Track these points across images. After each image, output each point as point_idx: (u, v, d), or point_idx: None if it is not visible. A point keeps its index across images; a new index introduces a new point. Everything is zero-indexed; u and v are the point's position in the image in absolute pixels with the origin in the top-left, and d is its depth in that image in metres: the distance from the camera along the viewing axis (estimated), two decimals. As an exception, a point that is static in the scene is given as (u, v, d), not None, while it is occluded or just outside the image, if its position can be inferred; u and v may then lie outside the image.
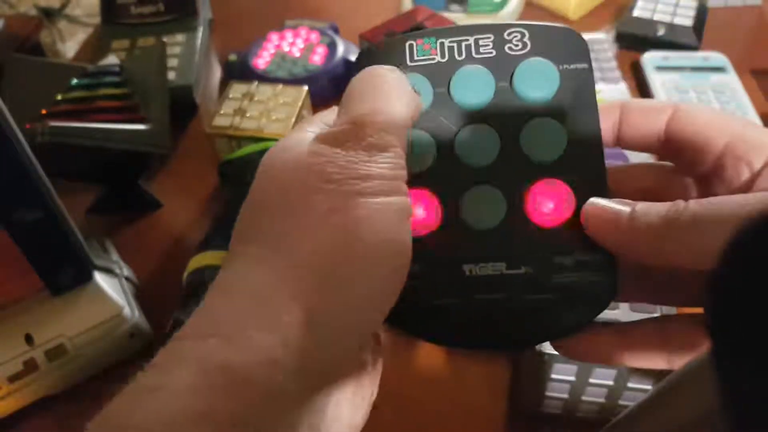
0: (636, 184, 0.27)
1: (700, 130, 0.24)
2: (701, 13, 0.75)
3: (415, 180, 0.24)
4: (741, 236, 0.12)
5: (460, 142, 0.25)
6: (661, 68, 0.68)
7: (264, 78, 0.67)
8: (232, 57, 0.74)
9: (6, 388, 0.43)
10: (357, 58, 0.26)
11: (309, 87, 0.61)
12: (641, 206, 0.22)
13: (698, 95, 0.65)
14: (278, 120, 0.58)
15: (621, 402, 0.39)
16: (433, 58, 0.25)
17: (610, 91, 0.66)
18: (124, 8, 0.76)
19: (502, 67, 0.25)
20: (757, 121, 0.61)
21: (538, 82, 0.24)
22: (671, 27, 0.74)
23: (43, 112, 0.54)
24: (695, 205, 0.20)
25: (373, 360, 0.25)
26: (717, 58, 0.69)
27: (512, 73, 0.25)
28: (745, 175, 0.23)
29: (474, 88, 0.25)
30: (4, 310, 0.45)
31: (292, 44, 0.73)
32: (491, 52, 0.25)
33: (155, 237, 0.58)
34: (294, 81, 0.66)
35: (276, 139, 0.55)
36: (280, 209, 0.21)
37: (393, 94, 0.22)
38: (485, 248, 0.24)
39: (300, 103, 0.59)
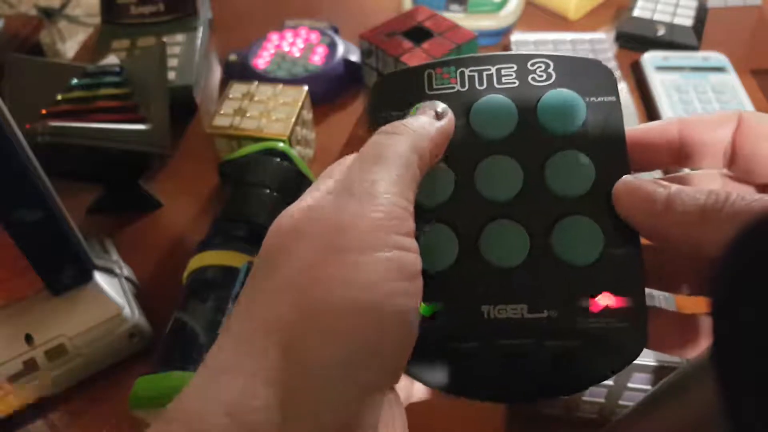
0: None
1: None
2: (701, 13, 0.75)
3: (431, 213, 0.23)
4: (745, 237, 0.12)
5: (480, 174, 0.23)
6: (661, 68, 0.68)
7: (264, 78, 0.67)
8: (232, 57, 0.74)
9: (6, 388, 0.43)
10: (375, 85, 0.25)
11: (309, 87, 0.61)
12: (678, 189, 0.20)
13: (698, 95, 0.65)
14: (278, 120, 0.58)
15: (621, 402, 0.39)
16: (453, 87, 0.24)
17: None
18: (124, 8, 0.76)
19: (526, 97, 0.24)
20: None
21: (563, 113, 0.23)
22: (671, 27, 0.74)
23: (43, 112, 0.54)
24: (739, 200, 0.18)
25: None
26: (717, 58, 0.69)
27: (536, 104, 0.24)
28: None
29: (495, 118, 0.24)
30: (4, 310, 0.45)
31: (292, 44, 0.73)
32: (514, 83, 0.24)
33: (155, 237, 0.58)
34: (294, 81, 0.66)
35: (276, 139, 0.56)
36: (263, 264, 0.20)
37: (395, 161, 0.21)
38: (505, 289, 0.22)
39: (300, 103, 0.59)
